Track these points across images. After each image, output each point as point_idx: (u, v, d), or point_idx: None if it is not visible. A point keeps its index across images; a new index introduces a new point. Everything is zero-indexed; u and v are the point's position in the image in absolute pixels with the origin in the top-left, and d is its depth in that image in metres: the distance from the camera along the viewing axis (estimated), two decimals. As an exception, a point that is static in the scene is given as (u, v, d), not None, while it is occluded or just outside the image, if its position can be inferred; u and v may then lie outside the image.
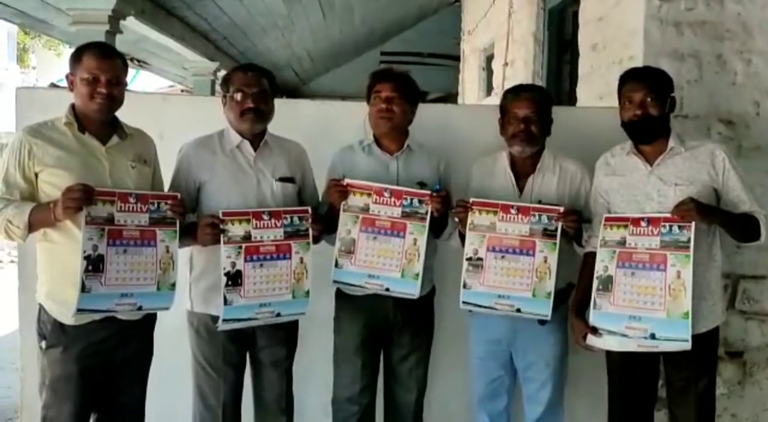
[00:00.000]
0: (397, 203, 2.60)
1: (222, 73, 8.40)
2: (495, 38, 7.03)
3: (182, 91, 13.37)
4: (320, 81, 12.64)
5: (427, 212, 2.59)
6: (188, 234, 2.52)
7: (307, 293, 2.59)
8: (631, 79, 2.55)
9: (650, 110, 2.47)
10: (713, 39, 3.26)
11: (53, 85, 4.42)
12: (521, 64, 5.96)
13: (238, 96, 2.58)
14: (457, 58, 9.36)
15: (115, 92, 2.40)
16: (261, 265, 2.53)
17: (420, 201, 2.59)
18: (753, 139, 3.24)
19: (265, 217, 2.54)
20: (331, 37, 9.42)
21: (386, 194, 2.61)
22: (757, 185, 2.95)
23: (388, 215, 2.61)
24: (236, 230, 2.50)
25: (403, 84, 2.71)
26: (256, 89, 2.59)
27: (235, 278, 2.49)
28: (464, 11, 9.13)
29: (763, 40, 3.24)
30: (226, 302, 2.47)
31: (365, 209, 2.62)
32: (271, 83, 2.67)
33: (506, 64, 6.38)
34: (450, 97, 10.24)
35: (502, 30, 6.57)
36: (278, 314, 2.56)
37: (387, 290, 2.61)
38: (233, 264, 2.50)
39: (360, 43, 10.80)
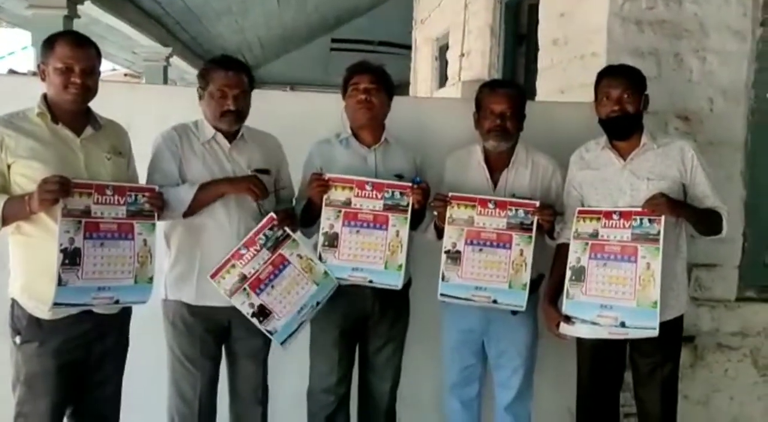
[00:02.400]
0: (379, 196, 2.63)
1: (175, 59, 8.26)
2: (449, 28, 7.08)
3: (125, 75, 13.06)
4: (270, 67, 12.52)
5: (408, 204, 2.62)
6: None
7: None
8: (609, 76, 2.63)
9: (627, 106, 2.56)
10: (672, 37, 3.37)
11: (12, 72, 4.27)
12: (477, 56, 6.04)
13: (218, 95, 2.55)
14: (409, 47, 9.39)
15: (89, 82, 2.34)
16: (272, 286, 2.57)
17: (401, 193, 2.63)
18: (706, 134, 3.38)
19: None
20: (283, 23, 9.35)
21: (368, 188, 2.63)
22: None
23: (370, 208, 2.63)
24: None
25: (381, 76, 2.74)
26: (237, 90, 2.57)
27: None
28: (416, 0, 9.16)
29: (718, 40, 3.38)
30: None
31: (347, 203, 2.63)
32: (250, 81, 2.64)
33: (462, 55, 6.45)
34: (400, 85, 10.29)
35: (457, 20, 6.62)
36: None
37: (371, 282, 2.64)
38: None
39: (311, 29, 10.75)
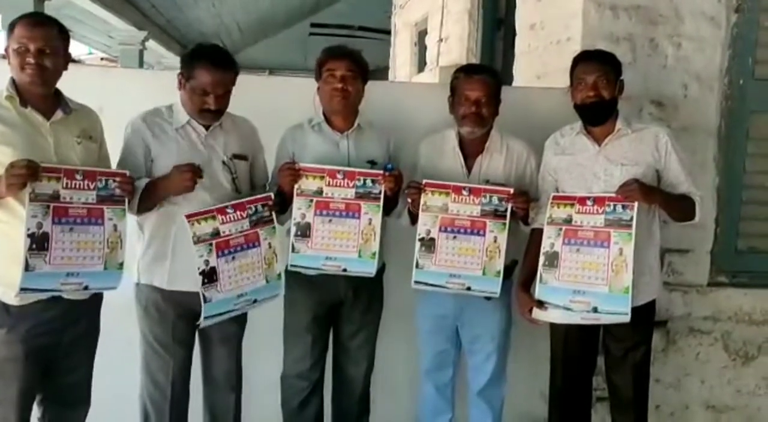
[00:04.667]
0: (351, 185, 2.61)
1: (151, 43, 8.16)
2: (428, 13, 7.06)
3: (102, 59, 12.89)
4: (248, 52, 12.40)
5: (380, 192, 2.61)
6: (150, 193, 2.47)
7: (280, 275, 2.60)
8: (584, 61, 2.63)
9: (603, 92, 2.56)
10: (647, 23, 3.37)
11: (-18, 55, 4.17)
12: (456, 41, 6.03)
13: (200, 92, 2.50)
14: (388, 32, 9.35)
15: (46, 62, 2.28)
16: (233, 258, 2.53)
17: (373, 181, 2.61)
18: (681, 120, 3.39)
19: (230, 211, 2.53)
20: (261, 7, 9.25)
21: (339, 176, 2.62)
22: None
23: (342, 197, 2.62)
24: (204, 228, 2.48)
25: (357, 62, 2.71)
26: (221, 90, 2.52)
27: (210, 276, 2.47)
28: (396, -15, 9.11)
29: (692, 26, 3.38)
30: (205, 300, 2.45)
31: (319, 193, 2.62)
32: (236, 77, 2.59)
33: (441, 40, 6.43)
34: (380, 71, 10.25)
35: (435, 5, 6.60)
36: (255, 301, 2.59)
37: (344, 270, 2.64)
38: (207, 262, 2.47)
39: (290, 14, 10.66)
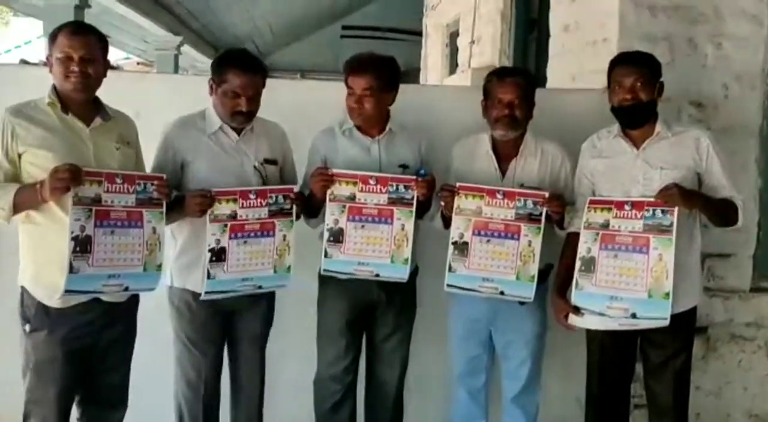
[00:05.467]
0: (383, 190, 2.61)
1: (186, 47, 8.26)
2: (460, 15, 7.03)
3: (138, 64, 13.10)
4: (280, 55, 12.51)
5: (413, 198, 2.61)
6: (174, 209, 2.52)
7: (289, 268, 2.63)
8: (622, 63, 2.58)
9: (641, 94, 2.52)
10: (685, 22, 3.32)
11: (24, 62, 4.27)
12: (488, 42, 6.00)
13: (231, 95, 2.54)
14: (419, 34, 9.34)
15: (89, 70, 2.34)
16: (245, 242, 2.56)
17: (406, 187, 2.61)
18: (721, 121, 3.33)
19: (252, 196, 2.56)
20: (293, 10, 9.32)
21: (372, 182, 2.62)
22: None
23: (374, 203, 2.62)
24: (223, 209, 2.52)
25: (378, 75, 2.64)
26: (251, 92, 2.56)
27: (219, 255, 2.53)
28: (428, -14, 9.08)
29: (733, 24, 3.32)
30: (209, 276, 2.51)
31: (352, 198, 2.62)
32: (264, 79, 2.62)
33: (473, 42, 6.40)
34: (410, 72, 10.23)
35: (467, 7, 6.56)
36: (260, 287, 2.62)
37: (377, 275, 2.64)
38: (218, 241, 2.53)
39: (322, 16, 10.71)
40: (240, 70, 2.54)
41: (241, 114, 2.57)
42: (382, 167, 2.70)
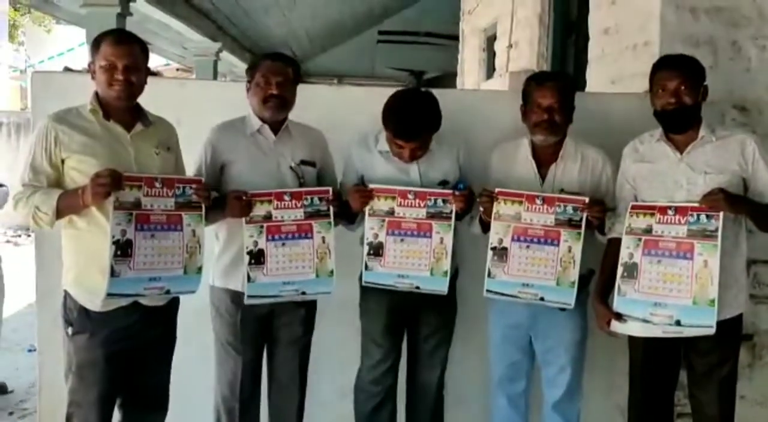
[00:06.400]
0: (422, 205, 2.63)
1: (224, 54, 8.37)
2: (497, 19, 6.98)
3: (177, 70, 13.31)
4: (317, 60, 12.59)
5: (451, 211, 2.62)
6: (214, 211, 2.56)
7: (332, 272, 2.64)
8: (666, 67, 2.54)
9: (684, 98, 2.47)
10: (728, 25, 3.26)
11: (67, 69, 4.37)
12: (526, 46, 5.94)
13: (262, 82, 2.61)
14: (456, 38, 9.31)
15: (132, 78, 2.38)
16: (283, 244, 2.59)
17: (444, 201, 2.63)
18: (765, 125, 3.25)
19: (287, 197, 2.58)
20: (329, 15, 9.36)
21: (410, 196, 2.64)
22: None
23: (413, 217, 2.64)
24: (258, 210, 2.55)
25: (424, 132, 2.63)
26: (281, 78, 2.62)
27: (257, 257, 2.56)
28: (464, -9, 9.05)
29: (778, 27, 3.25)
30: (249, 279, 2.55)
31: (390, 213, 2.65)
32: (295, 73, 2.69)
33: (510, 46, 6.35)
34: (447, 76, 10.20)
35: (504, 10, 6.51)
36: (303, 293, 2.63)
37: (417, 288, 2.66)
38: (255, 243, 2.56)
39: (358, 21, 10.74)
40: (269, 60, 2.67)
41: (273, 98, 2.61)
42: (422, 187, 2.69)
